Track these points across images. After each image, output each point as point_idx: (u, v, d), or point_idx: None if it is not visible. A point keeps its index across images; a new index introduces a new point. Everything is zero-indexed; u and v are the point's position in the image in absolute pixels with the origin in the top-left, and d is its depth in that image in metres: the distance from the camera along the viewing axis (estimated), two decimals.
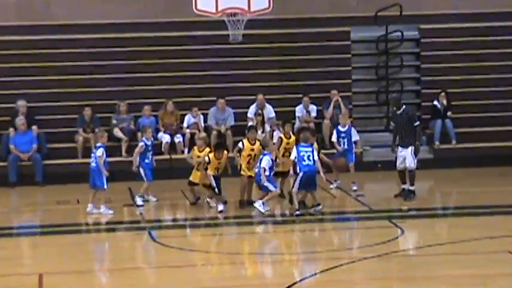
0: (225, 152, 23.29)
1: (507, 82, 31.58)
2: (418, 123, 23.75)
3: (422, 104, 31.20)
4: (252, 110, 29.45)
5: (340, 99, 29.59)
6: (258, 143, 23.23)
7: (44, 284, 16.82)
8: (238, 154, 23.35)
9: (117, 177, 26.00)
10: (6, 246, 20.76)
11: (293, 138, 23.80)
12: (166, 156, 28.11)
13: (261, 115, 29.14)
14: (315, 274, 16.96)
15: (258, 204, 22.33)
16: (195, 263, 18.45)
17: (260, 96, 29.41)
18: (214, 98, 29.69)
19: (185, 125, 29.10)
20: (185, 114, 29.34)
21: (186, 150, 28.03)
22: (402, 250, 19.04)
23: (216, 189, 22.62)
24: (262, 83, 30.69)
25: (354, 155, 25.61)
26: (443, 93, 30.02)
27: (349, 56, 31.85)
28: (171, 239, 20.53)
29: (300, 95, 29.94)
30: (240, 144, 23.48)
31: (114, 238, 21.57)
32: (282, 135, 24.08)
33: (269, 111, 29.33)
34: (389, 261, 17.96)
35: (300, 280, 16.43)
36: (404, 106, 23.99)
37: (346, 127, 25.65)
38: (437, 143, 29.47)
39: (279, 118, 28.05)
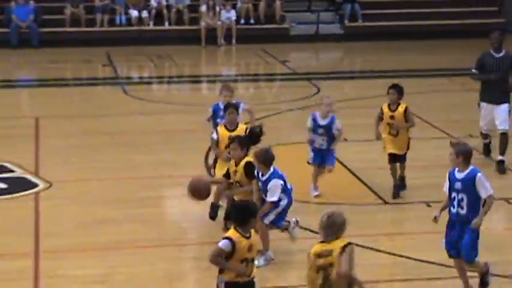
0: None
1: None
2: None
3: None
4: None
5: None
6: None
7: (39, 125, 16.75)
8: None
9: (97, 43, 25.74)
10: (9, 95, 20.63)
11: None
12: (136, 28, 27.42)
13: None
14: None
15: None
16: (158, 112, 18.27)
17: None
18: None
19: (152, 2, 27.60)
20: None
21: (151, 23, 27.46)
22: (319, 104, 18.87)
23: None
24: None
25: None
26: None
27: None
28: (140, 93, 20.31)
29: None
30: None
31: (94, 91, 21.41)
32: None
33: None
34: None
35: None
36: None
37: None
38: (346, 21, 28.58)
39: None
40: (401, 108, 12.20)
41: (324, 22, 28.52)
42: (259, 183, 9.90)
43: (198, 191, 9.61)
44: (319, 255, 7.10)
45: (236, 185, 10.19)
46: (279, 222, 9.96)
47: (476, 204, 8.81)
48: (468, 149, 8.99)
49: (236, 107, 11.37)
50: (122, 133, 16.28)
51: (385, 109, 12.29)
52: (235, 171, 10.14)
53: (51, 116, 17.67)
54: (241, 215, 7.60)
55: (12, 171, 13.81)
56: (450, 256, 9.05)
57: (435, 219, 8.97)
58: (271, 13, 28.02)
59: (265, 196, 9.82)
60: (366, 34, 27.87)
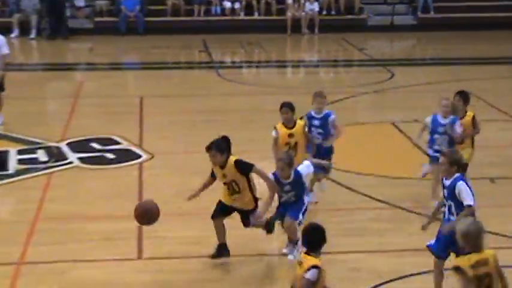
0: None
1: None
2: None
3: None
4: None
5: None
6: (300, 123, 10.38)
7: (143, 103, 16.95)
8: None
9: (194, 31, 25.99)
10: (117, 76, 20.92)
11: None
12: (229, 17, 27.47)
13: None
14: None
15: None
16: (247, 93, 18.31)
17: None
18: None
19: None
20: None
21: (242, 13, 27.53)
22: (392, 88, 18.71)
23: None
24: None
25: None
26: None
27: None
28: (232, 76, 20.37)
29: None
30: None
31: (191, 74, 21.56)
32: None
33: None
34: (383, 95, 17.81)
35: None
36: None
37: None
38: (419, 13, 28.19)
39: None
40: (468, 117, 10.89)
41: (398, 13, 28.13)
42: (286, 186, 8.94)
43: (148, 214, 8.29)
44: (474, 266, 6.37)
45: (232, 185, 8.88)
46: (303, 220, 9.00)
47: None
48: (461, 157, 8.06)
49: (291, 106, 10.18)
50: (216, 111, 16.35)
51: None
52: (224, 175, 8.87)
53: (153, 95, 17.86)
54: (316, 238, 6.75)
55: (119, 143, 14.02)
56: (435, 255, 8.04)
57: (423, 227, 8.09)
58: (351, 5, 27.82)
59: (294, 195, 8.96)
60: (437, 25, 27.36)
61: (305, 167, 9.16)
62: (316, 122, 10.63)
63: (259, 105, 16.84)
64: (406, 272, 8.17)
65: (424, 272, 8.56)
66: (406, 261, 8.04)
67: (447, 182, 7.93)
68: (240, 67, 22.76)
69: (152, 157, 13.16)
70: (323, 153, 10.64)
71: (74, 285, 8.69)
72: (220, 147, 8.75)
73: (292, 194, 9.00)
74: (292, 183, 8.96)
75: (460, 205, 7.83)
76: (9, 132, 14.61)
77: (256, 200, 8.95)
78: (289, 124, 10.17)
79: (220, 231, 9.05)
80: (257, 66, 23.13)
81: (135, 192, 11.49)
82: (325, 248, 9.19)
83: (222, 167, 8.83)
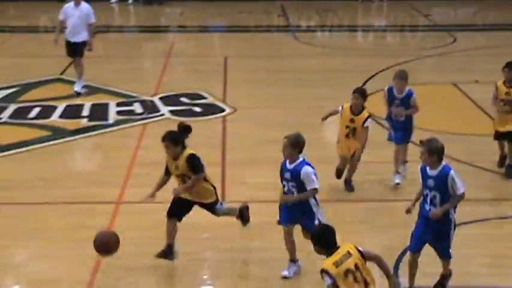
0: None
1: None
2: None
3: None
4: None
5: None
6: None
7: (227, 63, 16.97)
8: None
9: None
10: (204, 38, 20.88)
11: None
12: None
13: None
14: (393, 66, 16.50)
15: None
16: (321, 54, 18.08)
17: None
18: None
19: None
20: None
21: None
22: (454, 51, 18.27)
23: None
24: None
25: None
26: None
27: None
28: (307, 39, 20.17)
29: None
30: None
31: (271, 37, 21.32)
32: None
33: None
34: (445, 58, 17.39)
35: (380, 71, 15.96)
36: None
37: None
38: None
39: None
40: None
41: None
42: (287, 173, 7.47)
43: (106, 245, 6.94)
44: None
45: (184, 179, 7.72)
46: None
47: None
48: (440, 145, 6.88)
49: (362, 92, 9.42)
50: (292, 71, 16.26)
51: (501, 86, 9.89)
52: (177, 167, 7.67)
53: (236, 55, 17.85)
54: (329, 238, 5.95)
55: (205, 98, 14.11)
56: (410, 249, 7.12)
57: (408, 211, 7.09)
58: None
59: (294, 187, 7.48)
60: None
61: (310, 169, 7.45)
62: (397, 102, 9.74)
63: (331, 65, 16.67)
64: (457, 220, 8.04)
65: (475, 221, 8.56)
66: (459, 210, 7.88)
67: (432, 172, 6.91)
68: (315, 31, 22.49)
69: (235, 111, 13.22)
70: (400, 128, 9.78)
71: (165, 223, 8.80)
72: (174, 138, 7.60)
73: (292, 186, 7.49)
74: (292, 171, 7.44)
75: (447, 196, 6.87)
76: (109, 86, 14.84)
77: (216, 192, 7.95)
78: (356, 110, 9.43)
79: (170, 232, 7.84)
80: (330, 30, 22.83)
81: (219, 142, 11.60)
82: (388, 196, 9.27)
83: (175, 158, 7.66)
